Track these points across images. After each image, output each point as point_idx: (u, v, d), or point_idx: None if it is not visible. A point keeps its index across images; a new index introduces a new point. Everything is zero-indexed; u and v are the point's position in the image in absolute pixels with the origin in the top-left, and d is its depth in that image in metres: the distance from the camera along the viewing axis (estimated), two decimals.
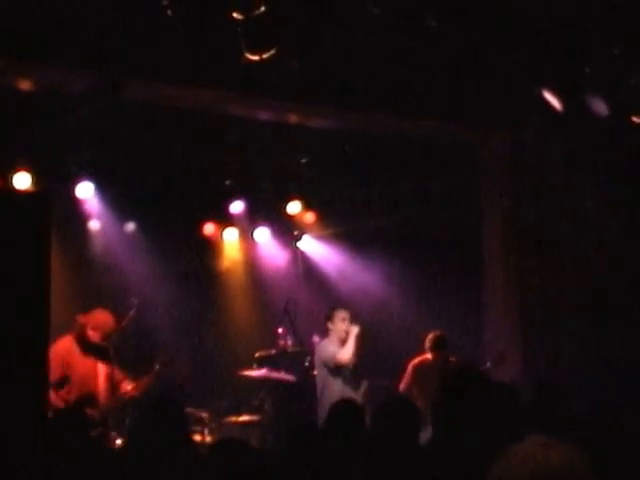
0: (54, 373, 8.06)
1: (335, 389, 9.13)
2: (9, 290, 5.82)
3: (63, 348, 8.36)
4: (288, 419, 9.60)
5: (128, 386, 8.68)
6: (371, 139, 10.42)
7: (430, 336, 9.66)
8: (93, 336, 8.46)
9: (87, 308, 9.03)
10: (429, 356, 9.63)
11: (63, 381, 8.12)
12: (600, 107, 8.74)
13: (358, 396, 9.04)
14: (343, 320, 9.34)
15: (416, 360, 9.67)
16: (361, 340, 9.24)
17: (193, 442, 8.06)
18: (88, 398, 8.11)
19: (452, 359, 9.63)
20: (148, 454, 4.84)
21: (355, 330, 9.23)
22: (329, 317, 9.43)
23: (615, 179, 10.01)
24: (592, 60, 8.44)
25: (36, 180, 9.41)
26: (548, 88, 8.78)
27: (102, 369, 8.52)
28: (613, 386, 8.72)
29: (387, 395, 8.34)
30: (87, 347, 8.44)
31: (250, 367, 9.98)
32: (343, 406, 5.75)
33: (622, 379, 8.82)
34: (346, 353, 9.18)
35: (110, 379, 8.55)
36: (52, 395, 7.97)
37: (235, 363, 10.73)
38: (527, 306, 10.48)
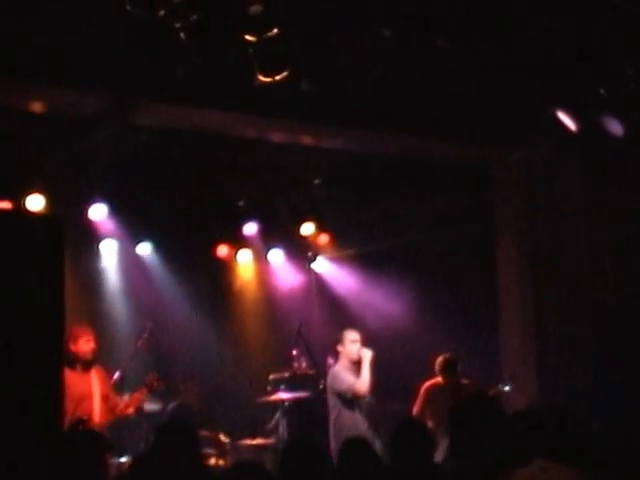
0: None
1: (348, 422, 8.93)
2: (23, 312, 5.83)
3: None
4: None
5: (121, 404, 8.67)
6: (385, 160, 10.41)
7: (440, 359, 9.58)
8: (77, 348, 8.43)
9: (100, 330, 9.02)
10: (440, 379, 9.56)
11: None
12: (615, 127, 8.71)
13: (368, 427, 8.89)
14: (354, 342, 9.06)
15: (428, 383, 9.61)
16: (374, 364, 9.06)
17: (205, 465, 8.03)
18: (81, 420, 8.08)
19: (464, 381, 9.56)
20: (159, 476, 4.82)
21: (368, 356, 8.96)
22: (339, 339, 9.18)
23: (631, 198, 9.95)
24: (607, 80, 8.41)
25: (49, 202, 9.43)
26: (563, 109, 8.77)
27: (97, 387, 8.49)
28: (631, 408, 8.64)
29: (400, 421, 8.26)
30: (73, 362, 8.39)
31: (264, 389, 9.93)
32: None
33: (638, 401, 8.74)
34: (364, 384, 8.88)
35: (106, 399, 8.52)
36: None
37: (249, 385, 10.71)
38: (542, 327, 10.42)
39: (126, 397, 8.80)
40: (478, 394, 5.55)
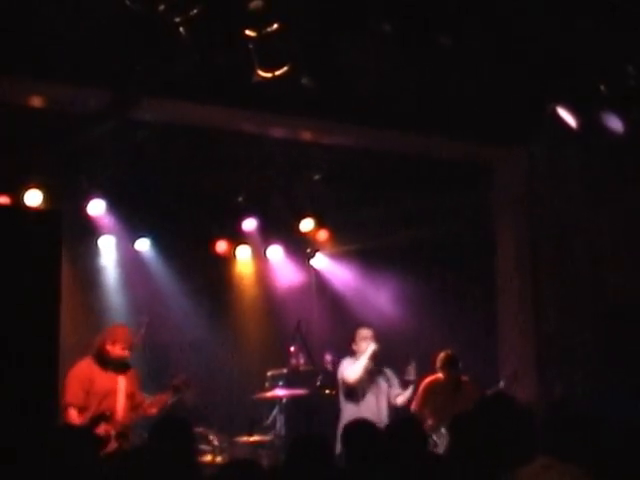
0: (76, 395, 8.13)
1: (347, 413, 8.98)
2: (19, 307, 5.82)
3: (83, 369, 8.33)
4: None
5: (144, 403, 8.65)
6: (385, 156, 10.39)
7: (441, 355, 9.57)
8: (112, 350, 8.41)
9: (98, 325, 9.01)
10: (440, 375, 9.54)
11: (96, 416, 8.11)
12: (615, 124, 8.70)
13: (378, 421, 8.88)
14: (364, 339, 9.19)
15: (427, 379, 9.59)
16: (375, 358, 9.10)
17: (198, 461, 8.00)
18: (104, 415, 8.08)
19: (464, 378, 9.55)
20: (154, 472, 4.80)
21: (371, 349, 9.08)
22: (352, 339, 9.30)
23: (631, 196, 9.94)
24: (607, 77, 8.40)
25: (47, 197, 9.42)
26: (563, 105, 8.75)
27: (122, 385, 8.46)
28: (630, 405, 8.62)
29: (395, 417, 8.28)
30: (106, 362, 8.39)
31: (262, 386, 9.92)
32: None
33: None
34: (353, 372, 9.01)
35: (131, 396, 8.50)
36: (75, 415, 8.02)
37: (247, 382, 10.69)
38: (542, 324, 10.41)
39: (150, 397, 8.79)
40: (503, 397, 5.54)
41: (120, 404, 8.38)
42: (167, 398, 8.73)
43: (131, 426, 8.44)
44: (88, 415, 8.11)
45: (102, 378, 8.32)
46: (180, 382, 8.81)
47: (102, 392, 8.28)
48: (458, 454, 4.56)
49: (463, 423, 4.75)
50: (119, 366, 8.45)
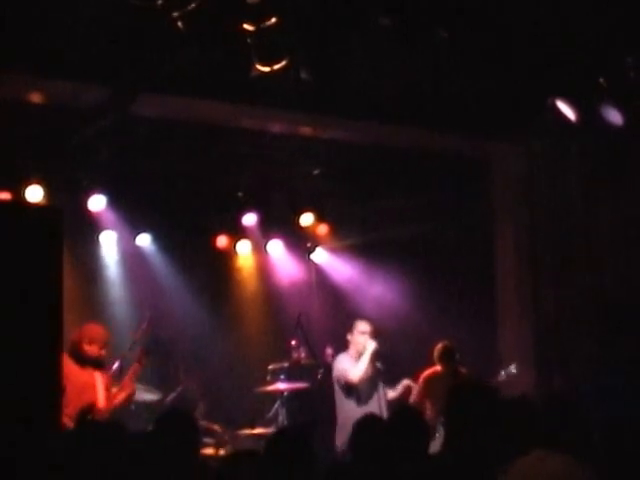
0: None
1: (347, 410, 8.97)
2: (21, 304, 5.82)
3: None
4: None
5: (116, 389, 8.67)
6: (384, 151, 10.40)
7: (438, 347, 9.59)
8: (90, 350, 8.42)
9: (99, 321, 9.01)
10: (438, 367, 9.57)
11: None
12: (615, 117, 8.70)
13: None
14: (362, 333, 9.14)
15: (426, 372, 9.62)
16: (375, 358, 9.10)
17: (201, 455, 8.03)
18: (90, 407, 8.10)
19: (462, 370, 9.57)
20: (156, 465, 4.83)
21: (371, 347, 9.05)
22: (349, 328, 9.27)
23: (631, 191, 9.95)
24: (606, 70, 8.41)
25: (48, 193, 9.44)
26: (562, 99, 8.76)
27: (100, 379, 8.49)
28: (628, 399, 8.64)
29: (395, 409, 8.27)
30: (84, 361, 8.41)
31: (263, 379, 9.94)
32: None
33: (637, 392, 8.73)
34: (356, 372, 8.98)
35: (108, 389, 8.54)
36: None
37: (248, 375, 10.71)
38: (541, 318, 10.43)
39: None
40: (473, 383, 5.55)
41: (100, 396, 8.41)
42: (135, 371, 8.72)
43: (115, 415, 8.47)
44: (68, 411, 8.12)
45: (78, 374, 8.30)
46: (140, 354, 8.82)
47: (79, 387, 8.25)
48: (452, 448, 4.57)
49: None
50: (96, 364, 8.47)
